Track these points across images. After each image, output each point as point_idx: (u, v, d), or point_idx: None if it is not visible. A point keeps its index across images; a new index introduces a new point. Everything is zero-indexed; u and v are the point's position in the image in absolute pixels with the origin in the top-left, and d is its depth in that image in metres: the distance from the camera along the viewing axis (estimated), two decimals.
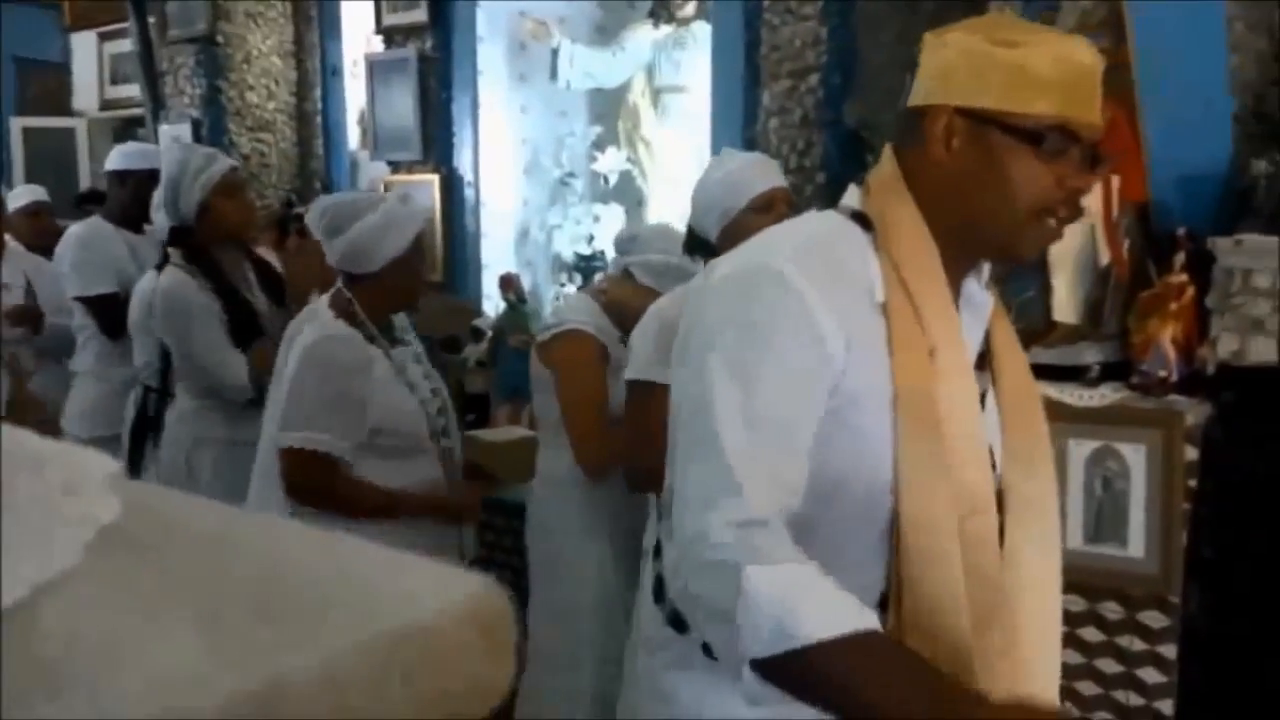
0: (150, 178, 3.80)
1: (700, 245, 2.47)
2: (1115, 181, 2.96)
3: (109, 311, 3.86)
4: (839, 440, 1.25)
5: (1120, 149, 2.96)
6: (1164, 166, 2.94)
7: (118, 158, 4.14)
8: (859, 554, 1.26)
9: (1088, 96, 1.27)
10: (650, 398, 2.25)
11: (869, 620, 1.11)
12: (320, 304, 2.77)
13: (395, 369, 2.66)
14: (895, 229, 1.31)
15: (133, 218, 4.03)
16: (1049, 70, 1.24)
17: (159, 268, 3.34)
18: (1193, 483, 2.66)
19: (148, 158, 4.12)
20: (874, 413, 1.26)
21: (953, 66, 1.29)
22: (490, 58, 5.20)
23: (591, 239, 5.25)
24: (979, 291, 1.39)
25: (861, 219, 1.34)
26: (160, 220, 3.40)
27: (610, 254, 3.58)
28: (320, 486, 2.53)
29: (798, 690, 1.13)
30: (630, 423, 2.36)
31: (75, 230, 4.02)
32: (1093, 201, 3.01)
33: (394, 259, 2.66)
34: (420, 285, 2.81)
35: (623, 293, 2.74)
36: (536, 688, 2.61)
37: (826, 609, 1.10)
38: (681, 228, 2.64)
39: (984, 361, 1.41)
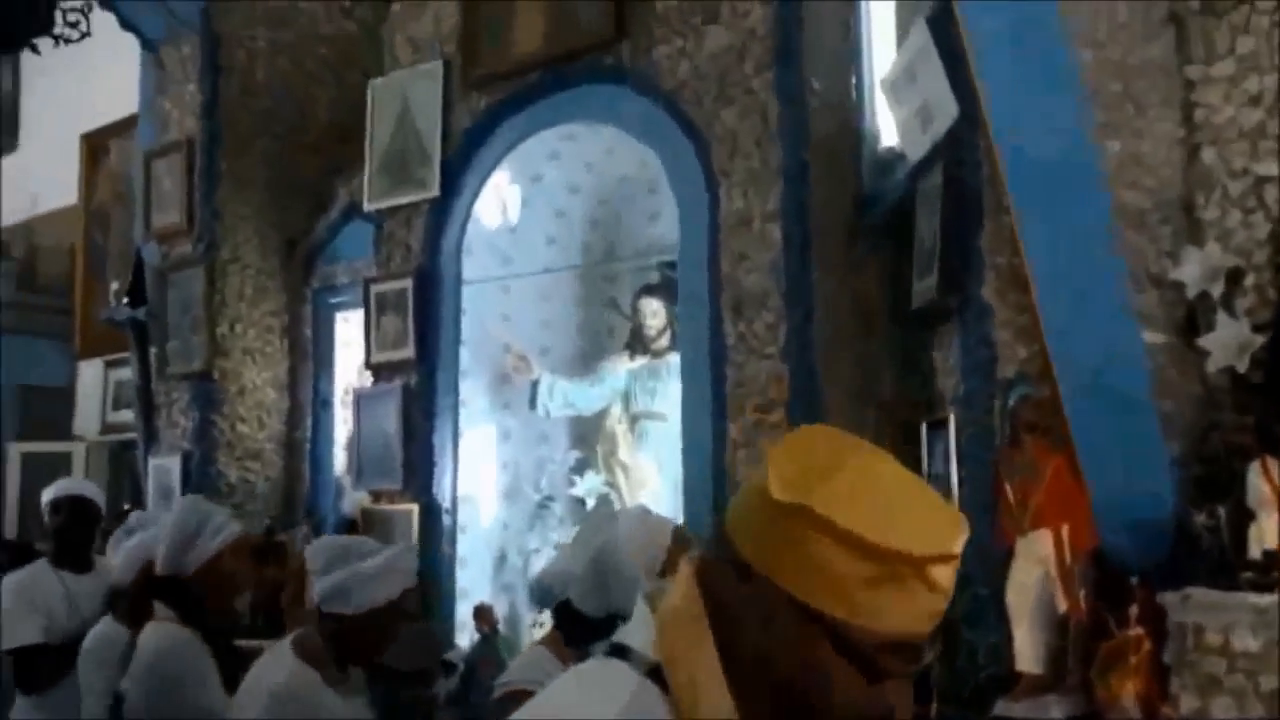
0: (78, 504, 3.88)
1: (585, 628, 2.44)
2: (1065, 530, 3.03)
3: (32, 665, 3.68)
4: None
5: (1066, 497, 3.05)
6: (1111, 513, 3.01)
7: (50, 491, 4.12)
8: None
9: (941, 608, 1.11)
10: None
11: None
12: (284, 648, 2.77)
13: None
14: (697, 699, 1.11)
15: (72, 551, 3.93)
16: (907, 598, 1.09)
17: (134, 621, 3.29)
18: None
19: (75, 487, 4.18)
20: None
21: (804, 553, 1.09)
22: (473, 389, 5.43)
23: None
24: None
25: (658, 675, 1.14)
26: (125, 564, 3.40)
27: None
28: None
29: None
30: None
31: (13, 575, 3.88)
32: (1045, 549, 3.06)
33: (374, 608, 2.71)
34: (390, 640, 2.81)
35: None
36: None
37: None
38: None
39: None
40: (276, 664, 2.74)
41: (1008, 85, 2.96)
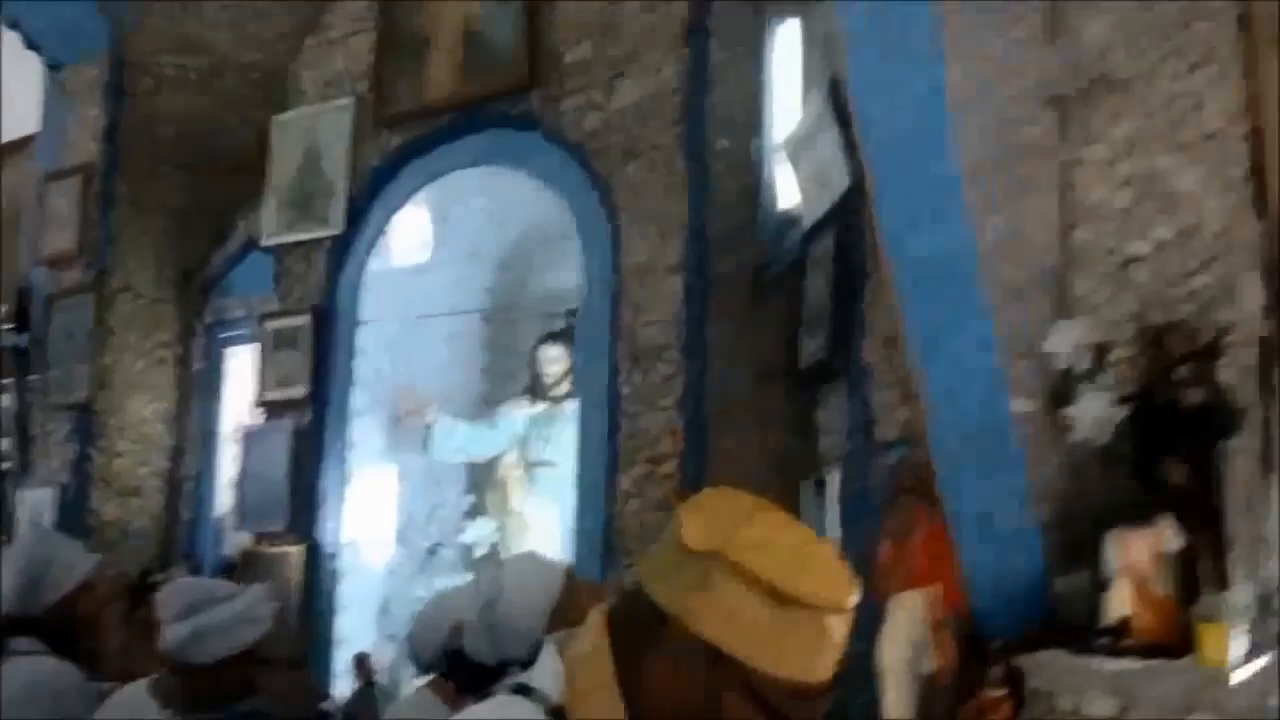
0: None
1: (478, 675, 2.43)
2: (936, 591, 3.09)
3: None
4: None
5: (938, 559, 3.12)
6: (978, 576, 3.09)
7: None
8: None
9: (837, 658, 1.18)
10: None
11: None
12: (140, 690, 2.68)
13: None
14: None
15: None
16: (808, 644, 1.15)
17: None
18: None
19: None
20: None
21: (715, 598, 1.15)
22: (370, 430, 5.36)
23: None
24: None
25: (560, 716, 1.19)
26: None
27: None
28: None
29: None
30: None
31: None
32: (916, 609, 3.12)
33: (226, 657, 2.63)
34: (245, 687, 2.74)
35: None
36: None
37: None
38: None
39: None
40: (134, 708, 2.65)
41: (891, 158, 3.06)
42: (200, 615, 2.56)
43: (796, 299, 4.26)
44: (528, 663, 2.34)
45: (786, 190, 4.64)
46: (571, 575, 2.64)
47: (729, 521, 1.17)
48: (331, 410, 5.29)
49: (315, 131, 5.67)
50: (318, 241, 5.54)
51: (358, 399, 5.33)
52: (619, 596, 1.25)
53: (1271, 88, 3.51)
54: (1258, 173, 3.38)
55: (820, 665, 1.16)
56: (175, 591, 2.67)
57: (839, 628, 1.17)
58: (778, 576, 1.14)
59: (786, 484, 4.18)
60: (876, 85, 3.07)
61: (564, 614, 2.44)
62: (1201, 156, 3.36)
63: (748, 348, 4.54)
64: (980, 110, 3.26)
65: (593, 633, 1.22)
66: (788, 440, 4.34)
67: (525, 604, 2.50)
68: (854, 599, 1.18)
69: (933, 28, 3.07)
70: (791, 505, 3.99)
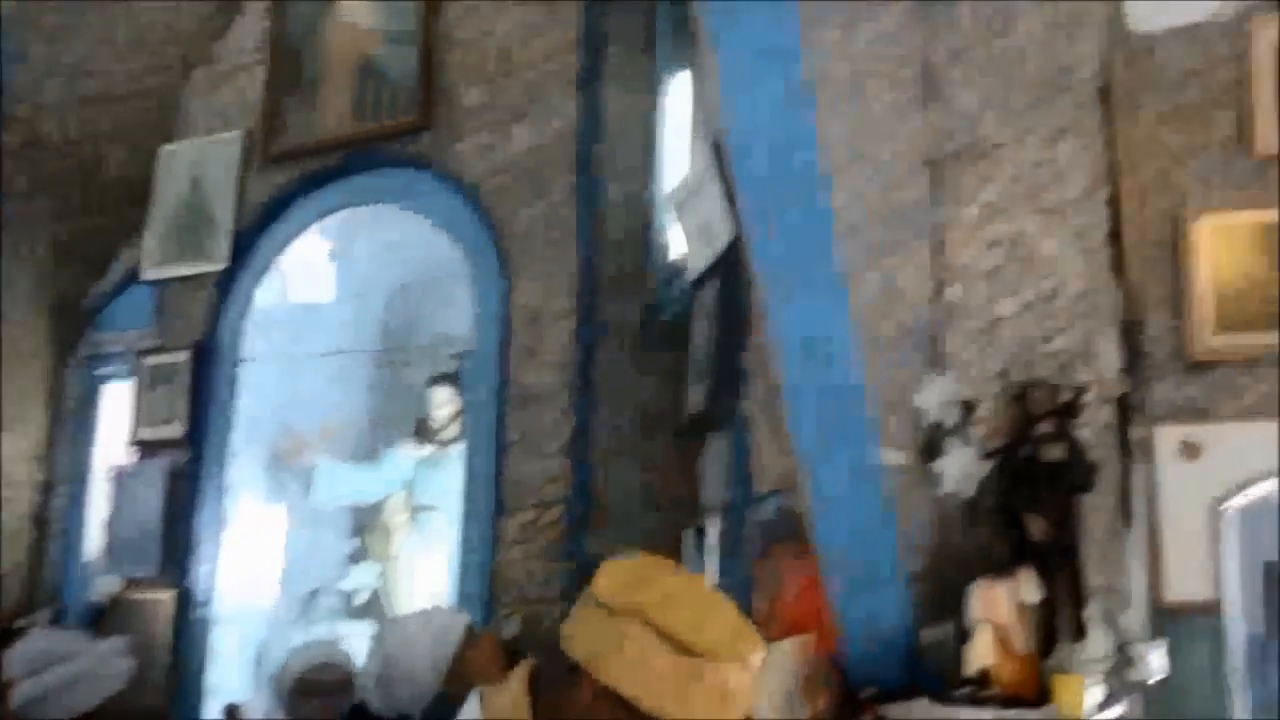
0: None
1: None
2: (809, 640, 3.14)
3: None
4: None
5: (811, 608, 3.17)
6: (849, 626, 3.15)
7: None
8: None
9: (739, 712, 1.27)
10: None
11: None
12: None
13: None
14: None
15: None
16: (710, 696, 1.23)
17: None
18: None
19: None
20: None
21: (627, 650, 1.23)
22: (246, 472, 5.22)
23: None
24: None
25: None
26: None
27: None
28: None
29: None
30: None
31: None
32: (790, 658, 3.16)
33: (81, 714, 2.53)
34: None
35: None
36: None
37: None
38: None
39: None
40: None
41: (767, 215, 3.14)
42: (48, 672, 2.48)
43: (684, 347, 4.31)
44: (426, 716, 2.37)
45: (677, 239, 4.71)
46: (472, 630, 2.68)
47: (641, 579, 1.28)
48: (209, 450, 5.14)
49: (202, 164, 5.55)
50: (201, 276, 5.41)
51: (238, 439, 5.19)
52: (540, 652, 1.34)
53: (1129, 157, 3.71)
54: (1116, 238, 3.56)
55: (723, 715, 1.25)
56: (24, 647, 2.57)
57: (740, 681, 1.26)
58: (683, 630, 1.23)
59: (669, 531, 4.20)
60: (754, 143, 3.15)
61: (462, 669, 2.47)
62: (1064, 221, 3.53)
63: (635, 394, 4.57)
64: (856, 171, 3.37)
65: (515, 686, 1.33)
66: (672, 488, 4.37)
67: (422, 660, 2.54)
68: (756, 656, 1.28)
69: (811, 90, 3.16)
70: (673, 553, 4.01)
